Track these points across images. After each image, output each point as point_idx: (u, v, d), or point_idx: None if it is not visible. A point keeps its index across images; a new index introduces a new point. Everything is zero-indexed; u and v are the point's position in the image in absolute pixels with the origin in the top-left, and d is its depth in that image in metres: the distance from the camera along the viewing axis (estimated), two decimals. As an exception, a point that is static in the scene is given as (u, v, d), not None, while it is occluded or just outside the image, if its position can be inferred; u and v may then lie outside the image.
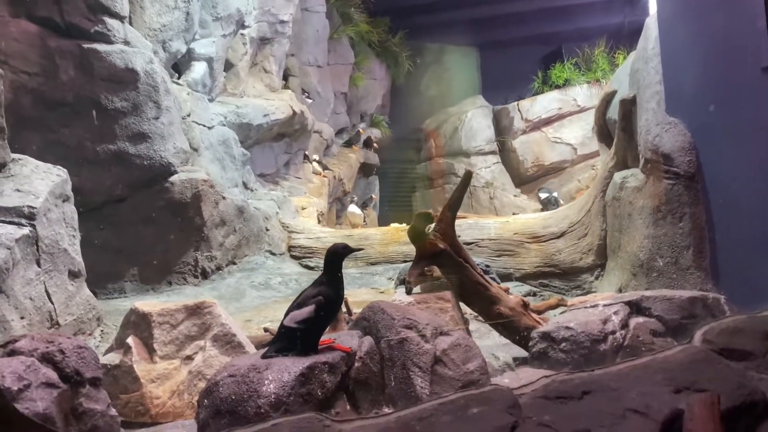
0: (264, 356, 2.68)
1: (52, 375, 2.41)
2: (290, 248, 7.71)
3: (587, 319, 3.62)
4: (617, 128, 5.76)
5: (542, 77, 14.16)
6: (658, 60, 4.89)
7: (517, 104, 14.12)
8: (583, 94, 13.69)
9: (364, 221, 11.29)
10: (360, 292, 6.13)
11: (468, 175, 4.14)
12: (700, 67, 4.41)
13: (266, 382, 2.51)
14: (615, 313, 3.64)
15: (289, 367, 2.58)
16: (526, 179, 13.86)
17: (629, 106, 5.43)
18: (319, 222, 9.38)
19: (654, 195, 4.77)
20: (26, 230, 3.88)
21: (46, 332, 3.41)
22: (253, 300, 5.99)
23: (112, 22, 6.10)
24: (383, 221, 12.29)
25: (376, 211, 13.13)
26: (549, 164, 13.67)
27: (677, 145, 4.53)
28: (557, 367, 3.47)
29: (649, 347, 3.57)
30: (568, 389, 2.51)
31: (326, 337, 2.88)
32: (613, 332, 3.54)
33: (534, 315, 4.06)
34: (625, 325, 3.62)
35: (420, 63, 14.45)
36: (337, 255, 2.88)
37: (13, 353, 2.46)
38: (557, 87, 13.90)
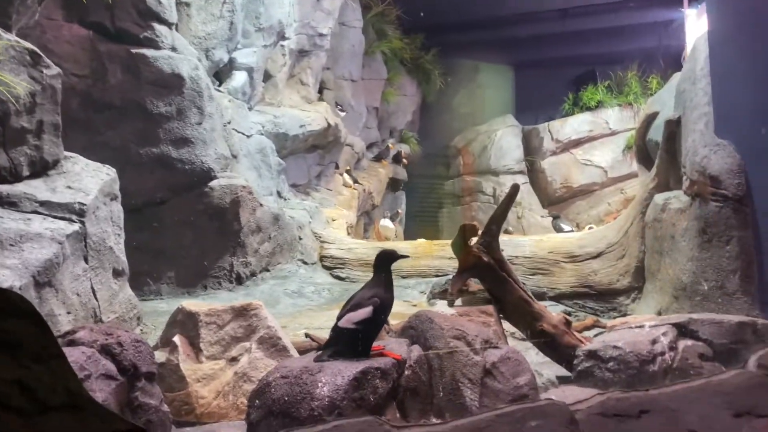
0: (317, 359, 2.68)
1: (111, 367, 2.43)
2: (322, 258, 7.71)
3: (635, 339, 3.56)
4: (660, 149, 5.70)
5: (573, 99, 14.10)
6: (707, 81, 4.85)
7: (548, 125, 14.06)
8: (615, 117, 13.60)
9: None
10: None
11: (515, 189, 4.11)
12: (752, 89, 4.36)
13: (320, 384, 2.51)
14: (663, 334, 3.58)
15: (342, 371, 2.57)
16: (554, 200, 13.77)
17: (674, 127, 5.39)
18: (348, 234, 9.39)
19: (699, 217, 4.70)
20: (76, 226, 3.93)
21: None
22: (287, 307, 5.98)
23: (160, 28, 6.21)
24: (409, 236, 12.29)
25: (401, 226, 13.13)
26: (578, 186, 13.58)
27: (726, 167, 4.47)
28: (603, 386, 3.42)
29: (697, 371, 3.51)
30: (626, 407, 2.48)
31: (375, 344, 2.87)
32: (662, 353, 3.48)
33: (576, 334, 4.01)
34: (673, 346, 3.56)
35: (452, 80, 14.47)
36: (387, 259, 2.92)
37: (72, 343, 2.48)
38: (588, 109, 13.82)
